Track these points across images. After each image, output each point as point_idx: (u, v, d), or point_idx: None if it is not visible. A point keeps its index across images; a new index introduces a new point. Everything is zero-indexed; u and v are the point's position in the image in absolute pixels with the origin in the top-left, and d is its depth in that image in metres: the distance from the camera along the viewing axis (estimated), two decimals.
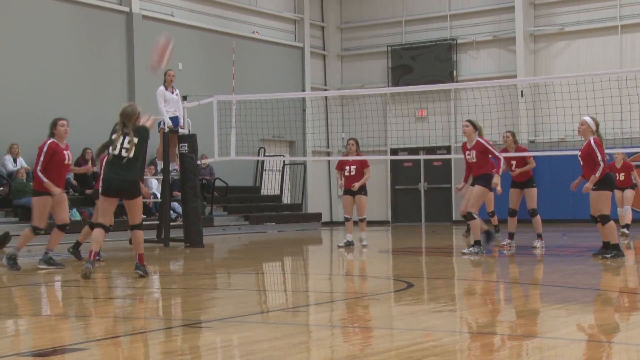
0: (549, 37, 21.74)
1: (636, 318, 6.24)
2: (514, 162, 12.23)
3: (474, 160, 11.16)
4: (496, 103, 19.21)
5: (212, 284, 8.97)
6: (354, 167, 13.20)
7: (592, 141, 10.09)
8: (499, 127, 19.55)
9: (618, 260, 9.98)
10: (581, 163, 10.30)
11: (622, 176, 14.54)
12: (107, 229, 8.72)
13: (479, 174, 11.16)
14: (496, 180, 11.01)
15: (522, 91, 20.74)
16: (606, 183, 10.12)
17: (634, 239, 14.40)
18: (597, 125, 10.28)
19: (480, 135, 11.27)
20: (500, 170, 11.27)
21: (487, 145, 11.18)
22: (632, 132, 19.04)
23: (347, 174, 13.22)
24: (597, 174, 9.96)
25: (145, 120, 8.75)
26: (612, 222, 10.14)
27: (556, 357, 4.67)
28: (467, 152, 11.24)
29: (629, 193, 14.64)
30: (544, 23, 21.80)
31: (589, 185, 10.07)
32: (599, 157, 9.98)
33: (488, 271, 10.00)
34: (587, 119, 10.35)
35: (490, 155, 11.18)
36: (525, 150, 13.04)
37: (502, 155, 11.53)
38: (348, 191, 13.27)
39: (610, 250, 10.13)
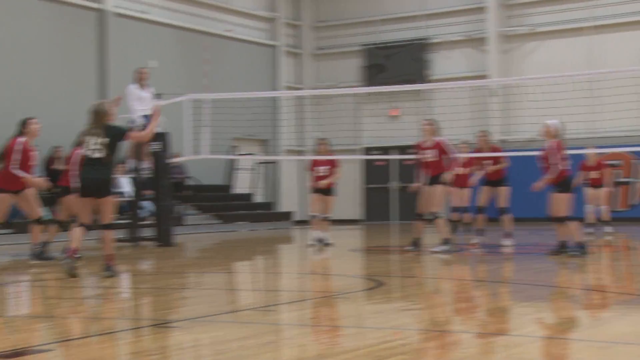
0: (521, 38, 21.90)
1: (601, 315, 6.30)
2: (487, 162, 12.35)
3: (433, 159, 11.27)
4: (469, 103, 19.35)
5: (182, 284, 8.93)
6: (326, 167, 13.23)
7: (550, 144, 10.26)
8: (471, 127, 19.71)
9: (582, 258, 10.08)
10: (541, 164, 10.43)
11: (595, 174, 14.71)
12: (88, 228, 8.68)
13: (438, 173, 11.27)
14: (448, 176, 11.24)
15: (493, 91, 20.89)
16: (565, 185, 10.28)
17: (606, 236, 14.52)
18: (560, 129, 10.41)
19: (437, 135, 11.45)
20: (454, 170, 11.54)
21: (447, 146, 11.32)
22: (602, 132, 19.22)
23: (317, 174, 13.25)
24: (550, 176, 10.15)
25: (112, 106, 8.75)
26: (574, 222, 10.28)
27: (522, 354, 4.71)
28: (425, 151, 11.33)
29: (603, 192, 14.80)
30: (516, 23, 21.96)
31: (540, 184, 10.26)
32: (554, 160, 10.11)
33: (457, 269, 10.05)
34: (550, 122, 10.51)
35: (446, 156, 11.32)
36: (499, 149, 13.16)
37: (457, 156, 11.81)
38: (317, 190, 13.29)
39: (575, 248, 10.24)
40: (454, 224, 13.55)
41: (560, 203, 10.26)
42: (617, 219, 18.95)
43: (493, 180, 12.40)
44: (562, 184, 10.28)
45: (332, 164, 13.31)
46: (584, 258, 10.11)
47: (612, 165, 19.31)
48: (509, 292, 7.84)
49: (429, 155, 11.32)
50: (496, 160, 12.47)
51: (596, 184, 14.73)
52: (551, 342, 5.20)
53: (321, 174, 13.22)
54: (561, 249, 10.40)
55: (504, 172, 12.45)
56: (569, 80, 17.42)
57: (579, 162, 14.95)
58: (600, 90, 17.91)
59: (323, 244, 13.15)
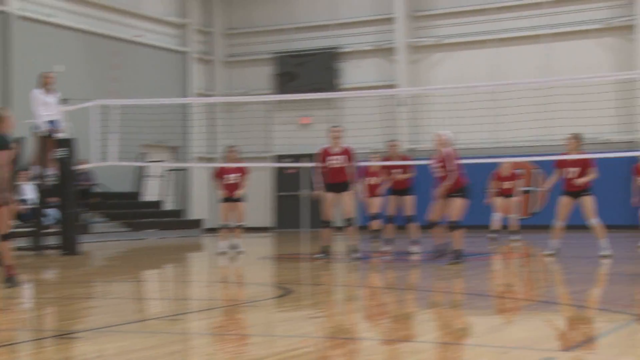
0: (428, 49, 22.34)
1: (501, 321, 6.48)
2: (396, 171, 12.56)
3: (341, 165, 11.39)
4: (378, 112, 19.63)
5: (87, 293, 8.74)
6: (236, 174, 13.19)
7: (446, 152, 10.67)
8: (381, 136, 19.99)
9: (459, 265, 10.33)
10: (437, 173, 10.80)
11: (508, 184, 15.10)
12: None
13: (346, 180, 11.41)
14: (362, 187, 11.36)
15: (401, 101, 21.22)
16: (464, 192, 10.63)
17: (512, 243, 14.90)
18: (451, 139, 10.79)
19: None
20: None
21: (354, 152, 11.54)
22: (505, 142, 19.77)
23: (227, 182, 13.18)
24: (449, 182, 10.55)
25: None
26: (460, 230, 10.69)
27: None
28: (333, 157, 11.43)
29: (513, 201, 15.20)
30: (423, 35, 22.38)
31: (440, 192, 10.57)
32: (452, 167, 10.51)
33: (365, 277, 10.17)
34: (442, 132, 10.85)
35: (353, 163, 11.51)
36: (408, 158, 13.38)
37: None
38: (228, 199, 13.23)
39: (452, 255, 10.53)
40: (375, 232, 13.74)
41: (457, 209, 10.57)
42: (520, 227, 19.52)
43: (400, 189, 12.62)
44: (460, 190, 10.61)
45: (242, 171, 13.27)
46: (460, 265, 10.34)
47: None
48: (414, 299, 7.98)
49: (335, 162, 11.43)
50: (405, 169, 12.70)
51: (507, 193, 15.14)
52: (453, 347, 5.32)
53: (231, 182, 13.16)
54: (436, 253, 10.72)
55: (410, 181, 12.69)
56: (473, 91, 17.91)
57: (491, 172, 15.33)
58: (502, 101, 18.44)
59: (236, 251, 13.08)
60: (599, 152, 18.40)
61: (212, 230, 23.38)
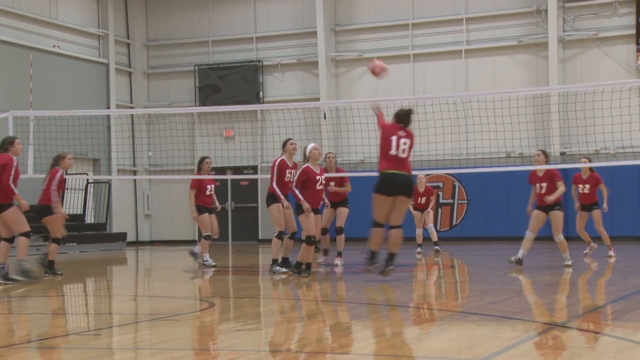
0: (349, 63, 22.60)
1: (423, 330, 6.61)
2: (332, 183, 12.68)
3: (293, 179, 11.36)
4: (300, 125, 19.70)
5: (3, 308, 8.52)
6: (212, 186, 13.12)
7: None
8: (300, 149, 20.06)
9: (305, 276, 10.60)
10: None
11: (423, 200, 15.39)
12: None
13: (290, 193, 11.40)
14: (306, 205, 10.93)
15: (324, 113, 21.39)
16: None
17: (435, 255, 15.16)
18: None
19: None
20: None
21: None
22: (426, 155, 20.11)
23: (207, 193, 13.06)
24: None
25: None
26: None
27: None
28: (289, 171, 11.31)
29: (429, 214, 15.50)
30: (345, 49, 22.64)
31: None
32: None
33: (291, 289, 10.21)
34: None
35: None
36: (343, 171, 13.51)
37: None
38: (207, 210, 13.02)
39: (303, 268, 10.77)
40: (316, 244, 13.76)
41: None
42: (441, 239, 19.89)
43: (335, 202, 12.74)
44: (347, 200, 12.06)
45: (214, 183, 13.40)
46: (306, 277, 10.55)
47: (436, 187, 20.28)
48: (337, 311, 8.05)
49: (289, 175, 11.31)
50: (340, 181, 12.82)
51: (422, 208, 15.42)
52: (378, 358, 5.40)
53: (210, 193, 13.01)
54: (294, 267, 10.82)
55: (346, 194, 12.84)
56: (393, 105, 18.16)
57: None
58: (422, 114, 18.77)
59: (209, 264, 12.91)
60: (513, 165, 18.96)
61: (135, 243, 23.09)
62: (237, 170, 22.88)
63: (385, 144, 9.63)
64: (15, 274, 10.70)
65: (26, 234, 10.69)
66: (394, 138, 9.59)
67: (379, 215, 9.70)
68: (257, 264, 15.02)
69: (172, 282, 11.54)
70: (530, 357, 5.21)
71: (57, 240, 11.66)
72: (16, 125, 14.90)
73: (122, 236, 21.49)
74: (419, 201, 15.33)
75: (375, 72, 10.38)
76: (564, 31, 20.74)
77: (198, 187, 12.90)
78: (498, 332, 6.24)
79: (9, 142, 10.67)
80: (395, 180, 9.55)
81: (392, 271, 9.82)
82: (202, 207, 12.93)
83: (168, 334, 6.54)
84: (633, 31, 20.05)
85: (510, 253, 12.36)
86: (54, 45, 21.40)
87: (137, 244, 23.23)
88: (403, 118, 9.79)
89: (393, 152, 9.57)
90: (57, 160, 11.75)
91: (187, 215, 23.40)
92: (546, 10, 20.59)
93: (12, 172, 10.38)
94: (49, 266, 11.70)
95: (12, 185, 10.40)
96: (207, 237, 13.02)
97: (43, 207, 11.59)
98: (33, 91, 20.01)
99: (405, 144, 9.59)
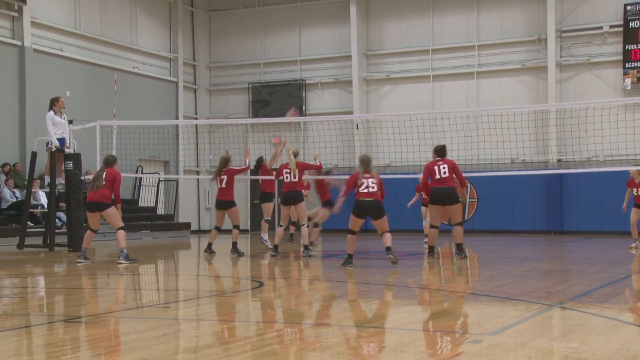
0: (379, 82, 22.52)
1: (438, 309, 6.54)
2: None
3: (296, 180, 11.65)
4: (336, 134, 19.69)
5: (92, 284, 8.64)
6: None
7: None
8: (337, 154, 20.06)
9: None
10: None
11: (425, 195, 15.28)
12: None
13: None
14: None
15: (357, 124, 21.35)
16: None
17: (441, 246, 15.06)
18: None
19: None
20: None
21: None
22: None
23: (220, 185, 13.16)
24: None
25: None
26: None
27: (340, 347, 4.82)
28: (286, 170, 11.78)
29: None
30: (375, 70, 22.56)
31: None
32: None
33: (324, 273, 10.17)
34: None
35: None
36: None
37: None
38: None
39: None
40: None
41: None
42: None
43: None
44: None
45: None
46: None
47: None
48: (367, 291, 8.01)
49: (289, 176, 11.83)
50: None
51: (424, 202, 15.28)
52: (398, 332, 5.36)
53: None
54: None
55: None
56: (415, 118, 18.08)
57: (416, 185, 15.49)
58: (439, 126, 18.65)
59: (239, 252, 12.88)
60: (517, 170, 18.74)
61: (198, 231, 23.25)
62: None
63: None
64: (121, 259, 10.91)
65: (123, 228, 11.01)
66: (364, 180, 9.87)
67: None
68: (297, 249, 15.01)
69: (228, 264, 11.59)
70: (531, 333, 5.14)
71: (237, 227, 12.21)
72: (102, 133, 15.10)
73: (187, 225, 21.66)
74: (423, 195, 15.16)
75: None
76: (561, 57, 20.45)
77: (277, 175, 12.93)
78: (503, 312, 6.17)
79: (114, 160, 11.10)
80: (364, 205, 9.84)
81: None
82: (268, 194, 13.22)
83: (224, 308, 6.57)
84: (620, 57, 19.72)
85: (513, 244, 12.20)
86: (134, 67, 21.65)
87: (199, 232, 23.40)
88: (366, 164, 9.99)
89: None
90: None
91: (241, 207, 23.52)
92: (546, 39, 20.35)
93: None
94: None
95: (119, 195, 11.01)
96: (267, 221, 13.33)
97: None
98: (116, 105, 20.28)
99: (373, 183, 9.84)
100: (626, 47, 19.60)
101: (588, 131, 15.93)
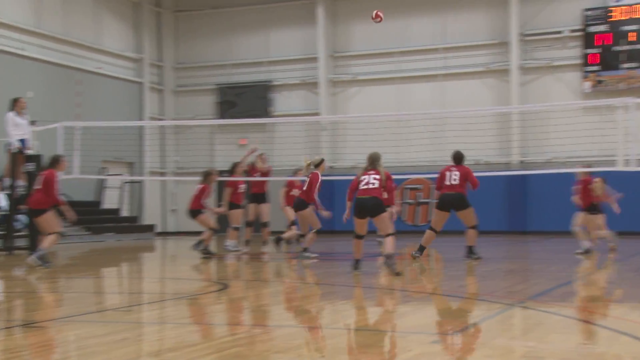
0: (345, 84, 22.57)
1: (403, 309, 6.56)
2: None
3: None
4: (303, 135, 19.69)
5: (51, 287, 8.49)
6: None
7: (313, 175, 11.24)
8: (304, 156, 20.01)
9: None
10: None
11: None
12: None
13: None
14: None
15: (324, 126, 21.37)
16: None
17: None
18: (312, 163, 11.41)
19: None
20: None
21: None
22: (408, 161, 20.08)
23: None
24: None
25: None
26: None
27: (337, 344, 4.83)
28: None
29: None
30: (341, 72, 22.61)
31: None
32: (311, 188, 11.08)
33: (294, 273, 10.14)
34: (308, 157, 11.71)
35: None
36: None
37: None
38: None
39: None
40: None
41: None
42: (420, 232, 19.77)
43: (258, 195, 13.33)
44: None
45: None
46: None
47: (415, 189, 20.28)
48: (331, 292, 8.01)
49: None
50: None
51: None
52: (360, 333, 5.37)
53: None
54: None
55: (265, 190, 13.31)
56: (382, 119, 18.16)
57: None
58: (405, 128, 18.77)
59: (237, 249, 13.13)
60: (481, 171, 18.94)
61: (162, 233, 23.02)
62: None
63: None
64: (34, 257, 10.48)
65: (55, 233, 10.50)
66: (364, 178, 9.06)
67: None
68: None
69: (193, 267, 11.49)
70: (492, 332, 5.18)
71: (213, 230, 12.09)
72: (65, 134, 14.87)
73: (151, 228, 21.44)
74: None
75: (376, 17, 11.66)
76: (524, 60, 20.73)
77: (233, 186, 13.11)
78: (465, 311, 6.21)
79: (55, 161, 10.65)
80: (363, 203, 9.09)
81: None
82: (234, 203, 13.15)
83: (188, 311, 6.50)
84: (579, 61, 20.07)
85: (477, 245, 12.29)
86: (98, 67, 21.37)
87: (164, 234, 23.18)
88: (372, 161, 9.19)
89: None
90: (207, 176, 12.20)
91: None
92: (509, 43, 20.61)
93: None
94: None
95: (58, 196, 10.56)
96: (236, 228, 13.20)
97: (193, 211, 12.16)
98: (79, 106, 20.00)
99: (375, 179, 9.00)
100: (585, 51, 19.94)
101: (549, 133, 16.19)
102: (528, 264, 10.99)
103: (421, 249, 11.03)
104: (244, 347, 4.63)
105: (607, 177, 12.69)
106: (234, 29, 23.72)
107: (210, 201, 12.74)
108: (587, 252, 11.98)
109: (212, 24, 23.92)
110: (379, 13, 11.82)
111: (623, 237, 17.48)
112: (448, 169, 11.12)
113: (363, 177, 8.96)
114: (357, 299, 7.29)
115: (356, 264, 9.06)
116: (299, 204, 11.39)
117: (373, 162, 9.11)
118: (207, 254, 12.26)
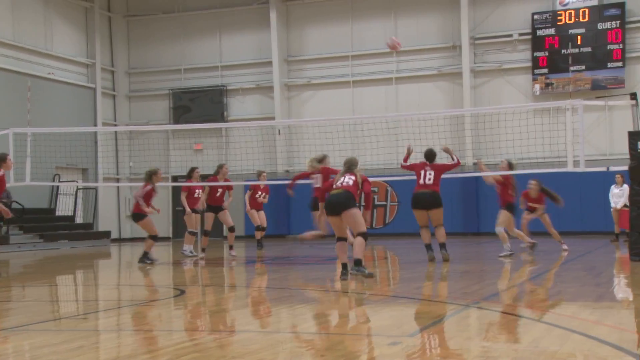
0: (300, 87, 22.61)
1: (362, 312, 6.59)
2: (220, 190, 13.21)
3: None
4: (258, 140, 19.63)
5: (4, 296, 8.28)
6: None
7: (323, 169, 11.36)
8: (259, 160, 19.99)
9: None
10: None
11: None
12: None
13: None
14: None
15: (278, 130, 21.36)
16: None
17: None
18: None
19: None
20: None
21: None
22: (363, 164, 20.18)
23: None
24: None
25: None
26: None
27: (303, 348, 4.82)
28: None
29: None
30: (296, 76, 22.65)
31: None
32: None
33: (246, 278, 10.09)
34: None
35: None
36: (229, 180, 14.01)
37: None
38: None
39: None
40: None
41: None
42: (376, 235, 20.00)
43: (215, 206, 13.02)
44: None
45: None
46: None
47: (372, 191, 20.37)
48: (288, 297, 8.01)
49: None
50: (226, 188, 13.28)
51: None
52: (318, 337, 5.38)
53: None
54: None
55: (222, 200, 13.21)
56: (336, 123, 18.24)
57: None
58: (360, 131, 18.88)
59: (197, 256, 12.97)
60: None
61: (118, 240, 22.68)
62: (204, 177, 22.65)
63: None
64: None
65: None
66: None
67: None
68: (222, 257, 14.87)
69: (149, 273, 11.35)
70: (448, 333, 5.26)
71: (154, 237, 11.99)
72: (16, 141, 14.55)
73: (107, 234, 21.12)
74: None
75: (394, 47, 11.79)
76: (475, 63, 21.08)
77: (188, 191, 13.01)
78: (422, 313, 6.27)
79: (2, 159, 10.46)
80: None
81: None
82: (191, 208, 13.08)
83: (144, 317, 6.42)
84: (529, 64, 20.50)
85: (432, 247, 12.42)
86: (49, 73, 20.97)
87: (119, 240, 22.85)
88: (348, 165, 8.96)
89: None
90: (150, 176, 11.88)
91: (162, 215, 23.12)
92: (460, 46, 20.92)
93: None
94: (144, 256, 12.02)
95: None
96: (192, 233, 13.06)
97: (135, 214, 12.04)
98: (30, 112, 19.59)
99: (349, 179, 8.72)
100: (534, 54, 20.39)
101: (500, 135, 16.47)
102: (482, 265, 11.16)
103: (428, 246, 11.04)
104: (201, 353, 4.60)
105: (558, 178, 12.98)
106: (187, 34, 23.55)
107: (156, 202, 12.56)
108: (533, 247, 12.45)
109: (165, 29, 23.70)
110: (396, 45, 11.72)
111: (574, 237, 17.93)
112: (422, 167, 11.04)
113: (340, 178, 8.62)
114: (313, 302, 7.30)
115: (344, 269, 8.48)
116: (315, 204, 10.79)
117: (350, 167, 8.82)
118: (149, 261, 12.07)
